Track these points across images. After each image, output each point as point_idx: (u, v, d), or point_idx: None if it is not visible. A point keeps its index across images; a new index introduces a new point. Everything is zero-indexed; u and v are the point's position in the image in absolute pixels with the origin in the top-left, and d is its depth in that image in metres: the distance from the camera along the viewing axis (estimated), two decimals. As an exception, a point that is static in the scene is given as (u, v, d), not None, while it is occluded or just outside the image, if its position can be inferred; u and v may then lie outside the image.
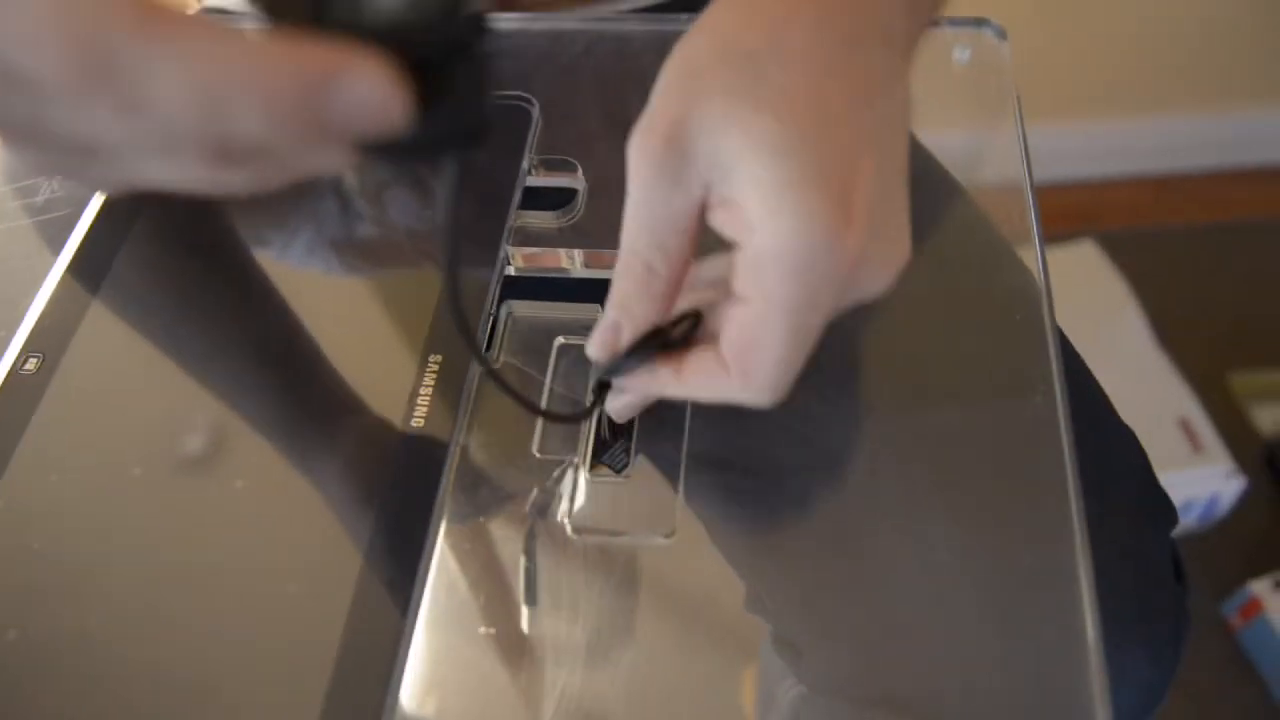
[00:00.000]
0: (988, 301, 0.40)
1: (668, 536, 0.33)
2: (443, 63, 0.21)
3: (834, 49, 0.27)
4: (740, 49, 0.26)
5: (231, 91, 0.20)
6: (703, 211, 0.27)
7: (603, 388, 0.34)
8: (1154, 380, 1.14)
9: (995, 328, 0.39)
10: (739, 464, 0.35)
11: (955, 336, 0.39)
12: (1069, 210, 1.46)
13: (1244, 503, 1.11)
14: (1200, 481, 1.06)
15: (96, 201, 0.44)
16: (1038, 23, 1.30)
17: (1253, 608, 1.01)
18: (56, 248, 0.43)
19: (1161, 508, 0.40)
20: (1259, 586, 1.02)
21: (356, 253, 0.42)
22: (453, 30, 0.21)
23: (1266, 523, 1.13)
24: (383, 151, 0.23)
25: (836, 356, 0.38)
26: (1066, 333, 0.49)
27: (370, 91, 0.20)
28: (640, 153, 0.27)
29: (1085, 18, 1.37)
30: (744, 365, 0.28)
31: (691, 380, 0.30)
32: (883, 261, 0.27)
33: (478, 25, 0.22)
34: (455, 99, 0.22)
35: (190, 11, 0.21)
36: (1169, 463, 1.06)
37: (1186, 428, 1.10)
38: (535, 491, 0.35)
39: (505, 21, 0.51)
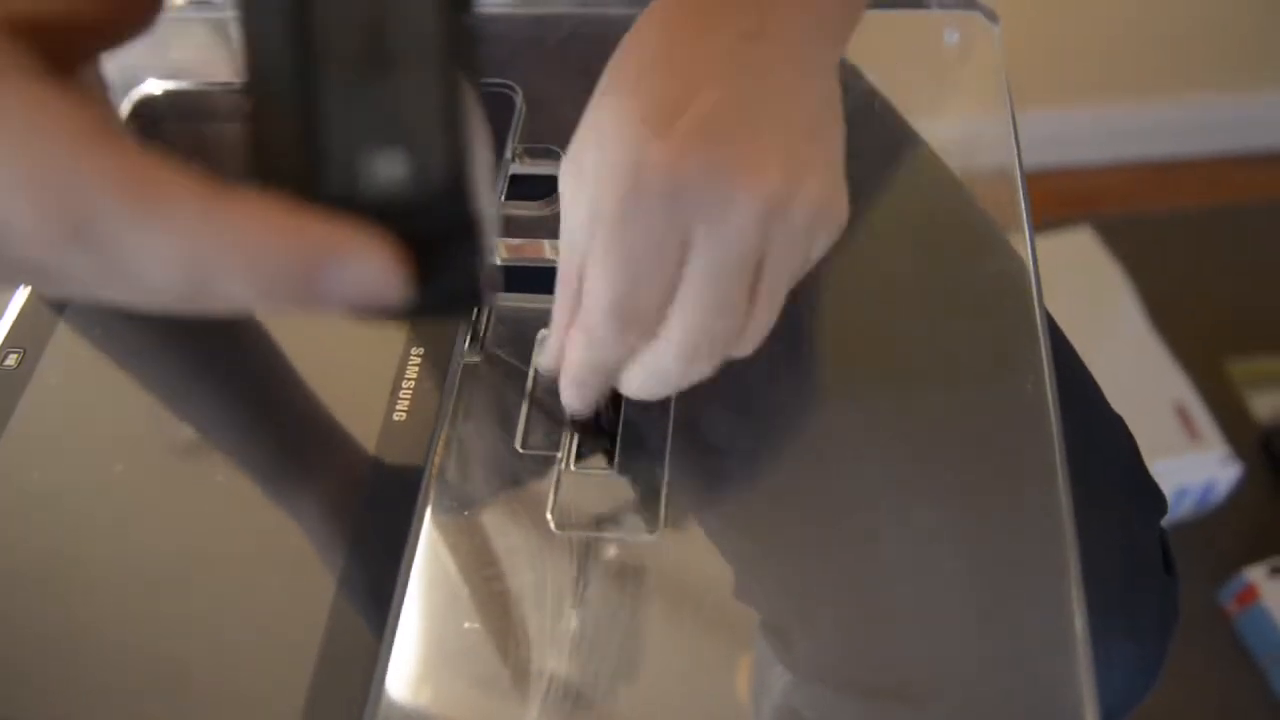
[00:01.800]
0: (978, 288, 0.39)
1: (652, 532, 0.33)
2: (442, 235, 0.20)
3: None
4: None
5: (219, 267, 0.19)
6: None
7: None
8: (1150, 367, 1.14)
9: (985, 314, 0.38)
10: (725, 453, 0.35)
11: (945, 323, 0.38)
12: (1065, 196, 1.46)
13: (1240, 489, 1.11)
14: (1196, 468, 1.06)
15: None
16: (1034, 7, 1.29)
17: (1248, 594, 1.01)
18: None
19: (1150, 496, 0.40)
20: (1254, 573, 1.02)
21: None
22: (453, 204, 0.20)
23: (1262, 509, 1.13)
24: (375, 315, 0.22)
25: (825, 343, 0.38)
26: (1063, 319, 0.48)
27: (367, 273, 0.19)
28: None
29: (1081, 3, 1.36)
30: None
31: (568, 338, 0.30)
32: (734, 198, 0.26)
33: (474, 196, 0.20)
34: (453, 271, 0.21)
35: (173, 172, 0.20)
36: (1165, 449, 1.06)
37: (1183, 414, 1.10)
38: (518, 487, 0.34)
39: (488, 6, 0.51)
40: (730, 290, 0.27)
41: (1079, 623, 0.30)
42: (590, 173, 0.27)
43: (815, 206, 0.27)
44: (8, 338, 0.40)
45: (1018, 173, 0.42)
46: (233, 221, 0.19)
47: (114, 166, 0.19)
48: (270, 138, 0.20)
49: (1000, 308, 0.38)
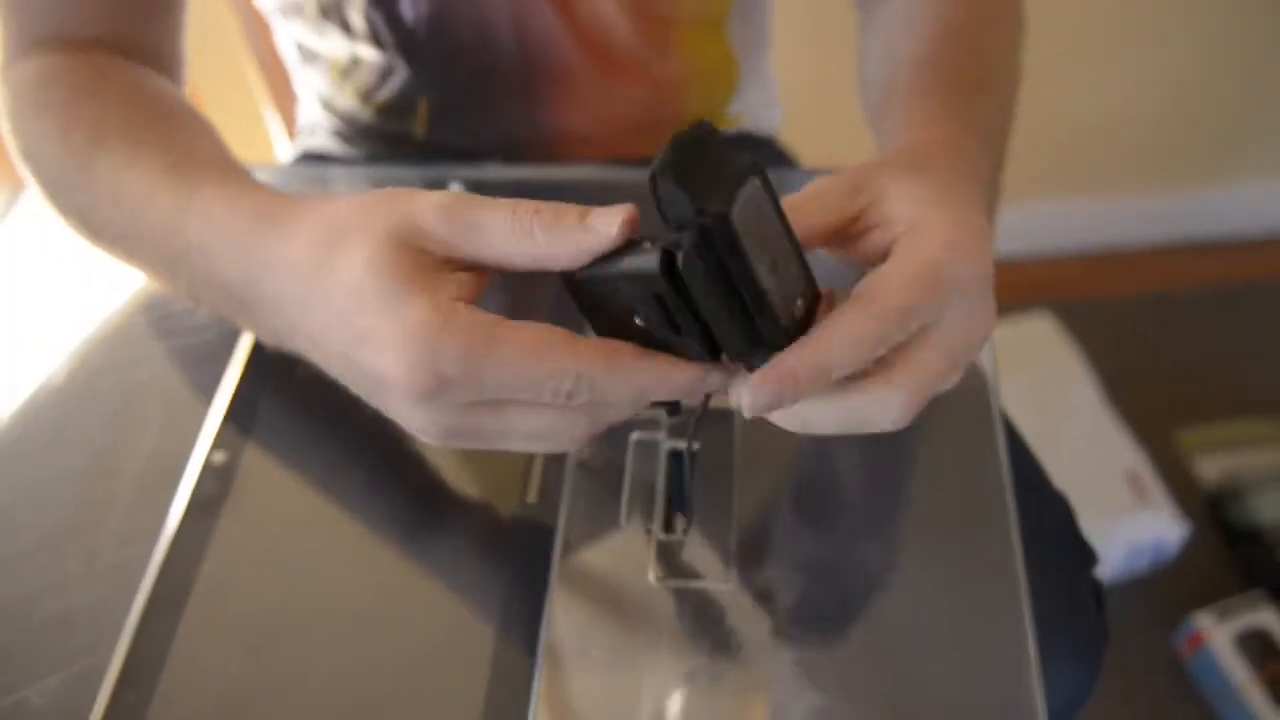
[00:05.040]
0: (950, 402, 0.53)
1: (727, 583, 0.46)
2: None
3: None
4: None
5: (648, 397, 0.34)
6: None
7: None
8: (1105, 440, 1.27)
9: (953, 420, 0.52)
10: (775, 527, 0.48)
11: (922, 426, 0.52)
12: (1027, 283, 1.58)
13: (1190, 546, 1.23)
14: (1147, 527, 1.19)
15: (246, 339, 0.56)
16: None
17: (1197, 639, 1.14)
18: (223, 362, 0.55)
19: (1083, 552, 0.53)
20: (1203, 620, 1.14)
21: None
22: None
23: (1210, 562, 1.26)
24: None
25: (833, 451, 0.51)
26: (1025, 397, 0.61)
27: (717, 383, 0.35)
28: None
29: (1040, 109, 1.50)
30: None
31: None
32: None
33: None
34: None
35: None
36: (1119, 512, 1.19)
37: (1134, 481, 1.23)
38: (625, 552, 0.47)
39: (567, 172, 0.65)
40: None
41: (1030, 645, 0.44)
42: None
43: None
44: (216, 440, 0.52)
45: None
46: (651, 370, 0.34)
47: (601, 351, 0.33)
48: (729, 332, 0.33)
49: (966, 414, 0.52)
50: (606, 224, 0.32)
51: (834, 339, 0.32)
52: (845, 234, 0.35)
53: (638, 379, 0.33)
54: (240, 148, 0.51)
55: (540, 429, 0.34)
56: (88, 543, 0.48)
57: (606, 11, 0.62)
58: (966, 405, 0.53)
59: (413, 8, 0.62)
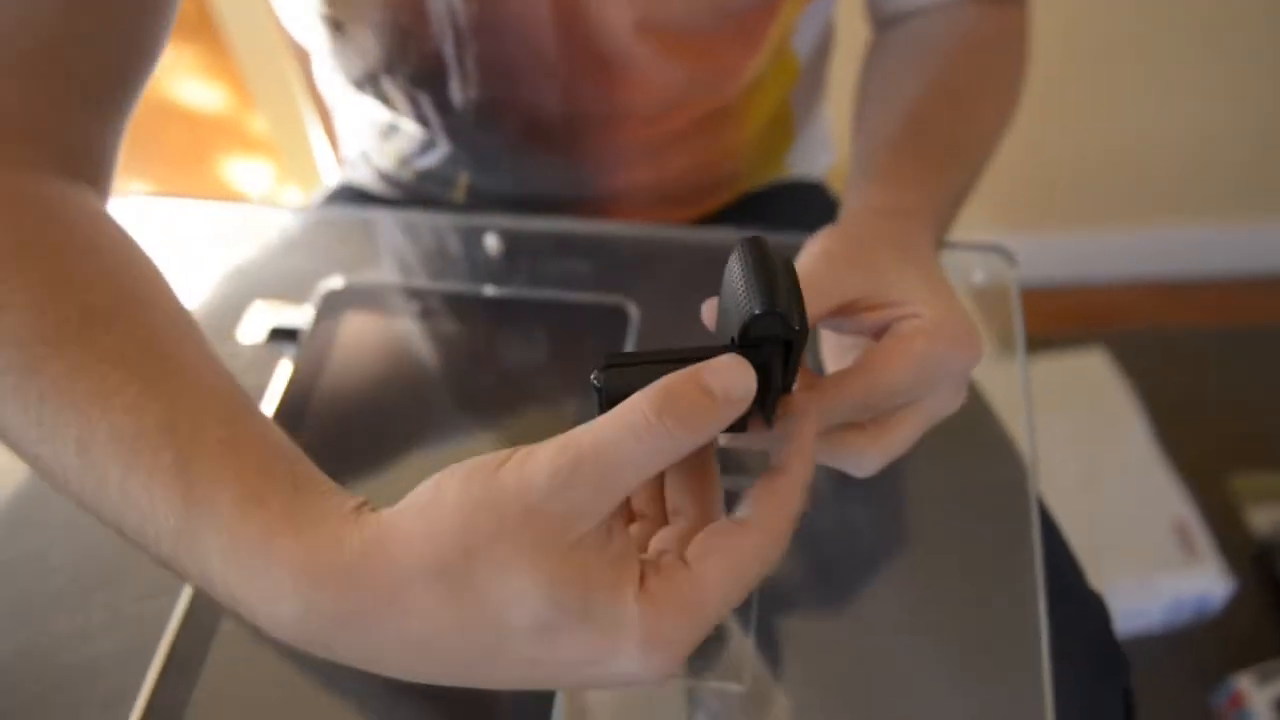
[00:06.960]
0: (988, 490, 0.52)
1: (741, 683, 0.45)
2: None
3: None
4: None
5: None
6: None
7: None
8: (1153, 486, 1.24)
9: (990, 511, 0.50)
10: (792, 629, 0.47)
11: (959, 518, 0.51)
12: (1081, 311, 1.55)
13: (1237, 601, 1.20)
14: (1192, 582, 1.16)
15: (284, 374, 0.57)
16: (1059, 133, 1.40)
17: (1237, 700, 1.11)
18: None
19: (1115, 663, 0.51)
20: (1243, 681, 1.11)
21: None
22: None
23: (1256, 620, 1.22)
24: None
25: (866, 537, 0.50)
26: (1072, 438, 0.59)
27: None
28: None
29: (1103, 129, 1.46)
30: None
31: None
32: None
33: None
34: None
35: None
36: (1163, 565, 1.16)
37: (1181, 531, 1.20)
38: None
39: (607, 228, 0.64)
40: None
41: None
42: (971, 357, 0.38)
43: None
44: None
45: (1025, 398, 0.54)
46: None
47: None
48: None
49: (1002, 507, 0.50)
50: (737, 388, 0.29)
51: (836, 398, 0.36)
52: (840, 312, 0.39)
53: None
54: (291, 168, 0.50)
55: None
56: (115, 592, 0.49)
57: (671, 98, 0.61)
58: (1003, 497, 0.51)
59: (461, 92, 0.60)
